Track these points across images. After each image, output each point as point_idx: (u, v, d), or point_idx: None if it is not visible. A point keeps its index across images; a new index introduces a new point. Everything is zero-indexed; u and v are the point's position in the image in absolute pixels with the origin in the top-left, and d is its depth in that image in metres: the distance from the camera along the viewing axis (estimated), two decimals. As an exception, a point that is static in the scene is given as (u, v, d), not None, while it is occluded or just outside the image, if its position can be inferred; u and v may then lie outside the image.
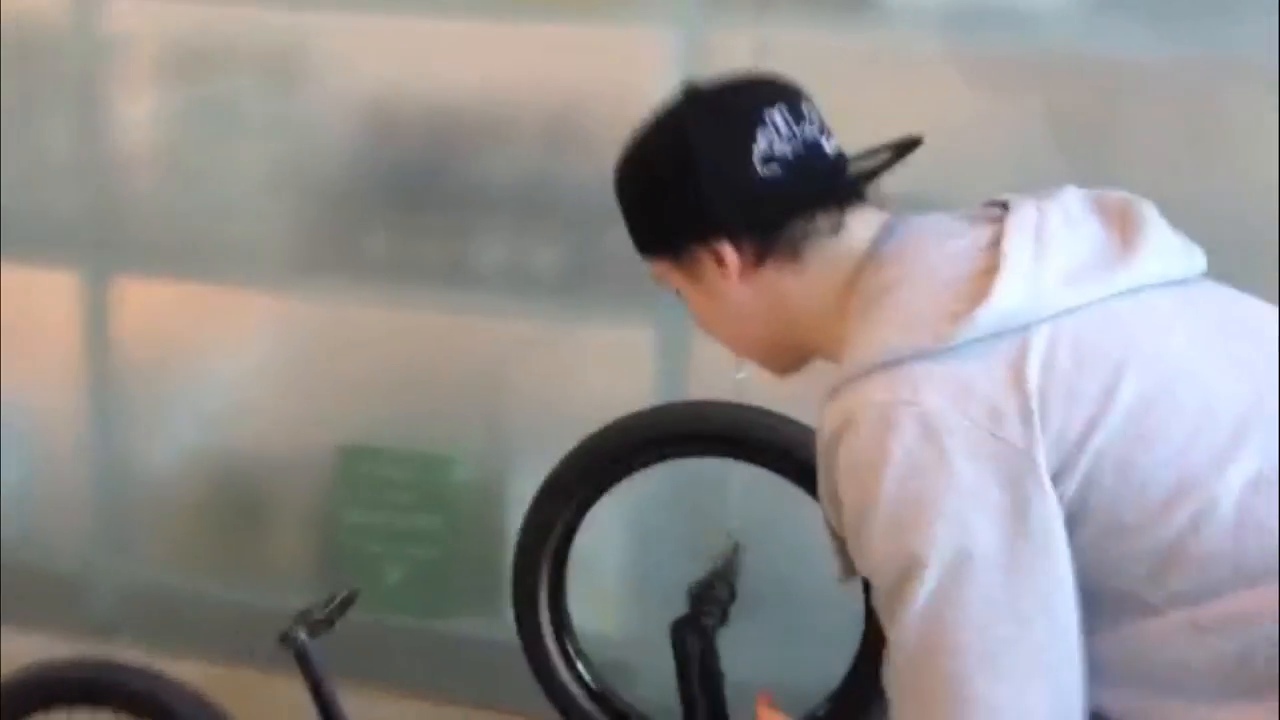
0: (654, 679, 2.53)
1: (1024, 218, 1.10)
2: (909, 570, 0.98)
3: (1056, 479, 0.98)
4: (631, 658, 2.55)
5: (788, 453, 1.53)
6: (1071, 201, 1.13)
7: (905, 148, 1.20)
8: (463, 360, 2.46)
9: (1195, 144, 2.09)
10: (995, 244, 1.08)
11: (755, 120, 1.14)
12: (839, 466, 1.04)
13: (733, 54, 2.07)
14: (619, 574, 2.51)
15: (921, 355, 1.01)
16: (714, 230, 1.16)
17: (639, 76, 2.21)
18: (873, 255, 1.14)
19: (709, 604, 1.56)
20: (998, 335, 1.00)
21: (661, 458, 1.66)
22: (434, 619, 2.52)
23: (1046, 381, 0.99)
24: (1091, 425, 0.98)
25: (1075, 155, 2.15)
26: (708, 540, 2.31)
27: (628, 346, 2.35)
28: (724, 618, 1.57)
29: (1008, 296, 1.01)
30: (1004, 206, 1.15)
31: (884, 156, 1.19)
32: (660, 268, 1.25)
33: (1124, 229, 1.08)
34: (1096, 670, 1.00)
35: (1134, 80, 2.08)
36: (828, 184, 1.16)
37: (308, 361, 2.52)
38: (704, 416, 1.66)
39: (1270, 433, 0.99)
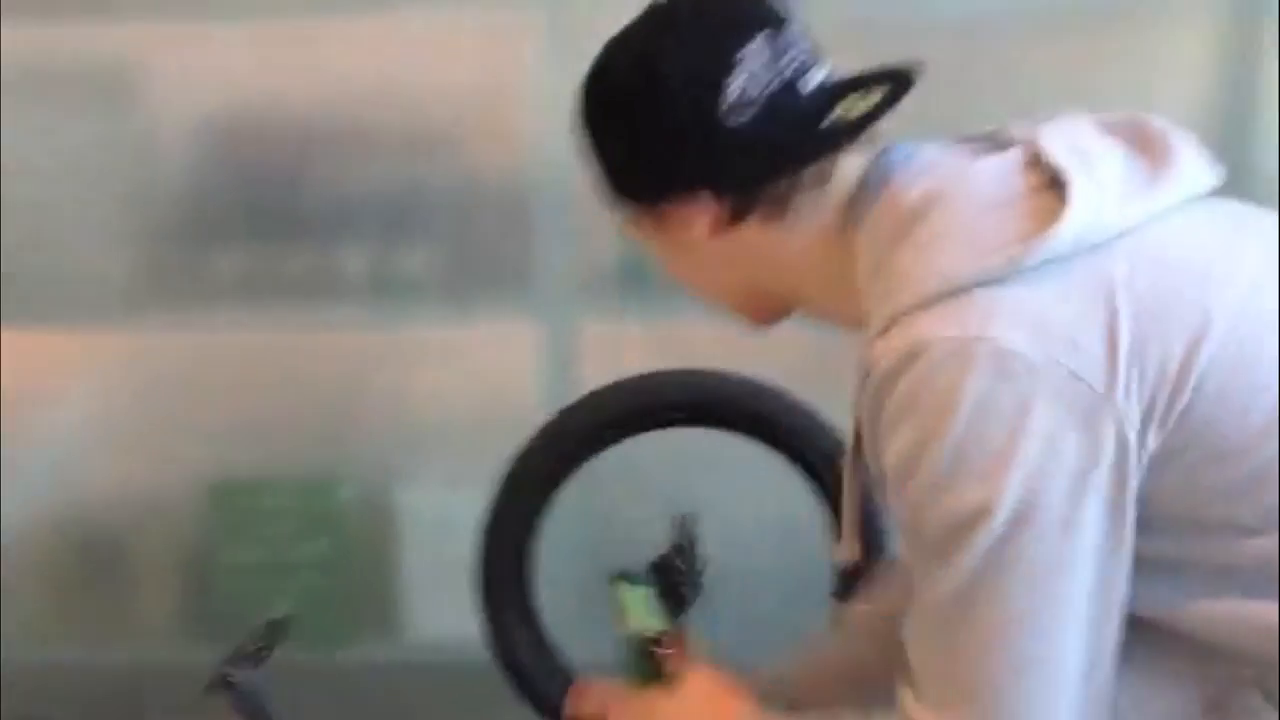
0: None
1: (1053, 135, 1.01)
2: (972, 519, 0.90)
3: (1169, 408, 0.92)
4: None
5: (769, 418, 1.53)
6: (1083, 122, 1.05)
7: (900, 85, 1.05)
8: (335, 377, 2.36)
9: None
10: (1032, 163, 0.99)
11: (729, 60, 1.00)
12: (892, 403, 0.94)
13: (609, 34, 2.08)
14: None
15: (989, 281, 0.92)
16: (682, 187, 1.05)
17: (501, 65, 2.20)
18: (879, 185, 1.03)
19: (678, 575, 1.55)
20: (1069, 259, 0.93)
21: (630, 433, 1.64)
22: (331, 648, 2.42)
23: (1138, 306, 0.92)
24: (1194, 348, 0.92)
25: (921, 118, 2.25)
26: (605, 533, 2.33)
27: (512, 344, 2.31)
28: (699, 587, 1.56)
29: (1085, 210, 0.93)
30: (991, 138, 1.07)
31: (876, 97, 1.04)
32: (626, 218, 1.14)
33: (1145, 145, 1.01)
34: (1182, 587, 0.96)
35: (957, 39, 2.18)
36: (810, 136, 1.03)
37: (165, 398, 2.38)
38: (673, 387, 1.65)
39: None
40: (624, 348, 2.15)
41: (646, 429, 1.64)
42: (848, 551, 1.14)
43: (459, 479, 2.41)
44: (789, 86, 1.03)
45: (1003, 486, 0.90)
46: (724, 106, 1.01)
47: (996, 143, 1.06)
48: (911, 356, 0.93)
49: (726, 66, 1.01)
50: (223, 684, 1.58)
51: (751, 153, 1.02)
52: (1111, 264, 0.94)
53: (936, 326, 0.93)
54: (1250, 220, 1.04)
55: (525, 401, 2.37)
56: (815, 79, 1.05)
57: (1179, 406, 0.93)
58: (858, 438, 1.03)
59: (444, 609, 2.47)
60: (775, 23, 1.04)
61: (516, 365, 2.31)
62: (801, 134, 1.03)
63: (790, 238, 1.06)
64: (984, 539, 0.91)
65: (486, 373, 2.32)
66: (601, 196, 1.16)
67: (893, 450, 0.95)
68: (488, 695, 2.46)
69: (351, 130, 2.25)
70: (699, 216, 1.06)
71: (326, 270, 2.32)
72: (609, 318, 2.25)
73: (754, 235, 1.06)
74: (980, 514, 0.91)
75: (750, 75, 1.01)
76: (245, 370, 2.36)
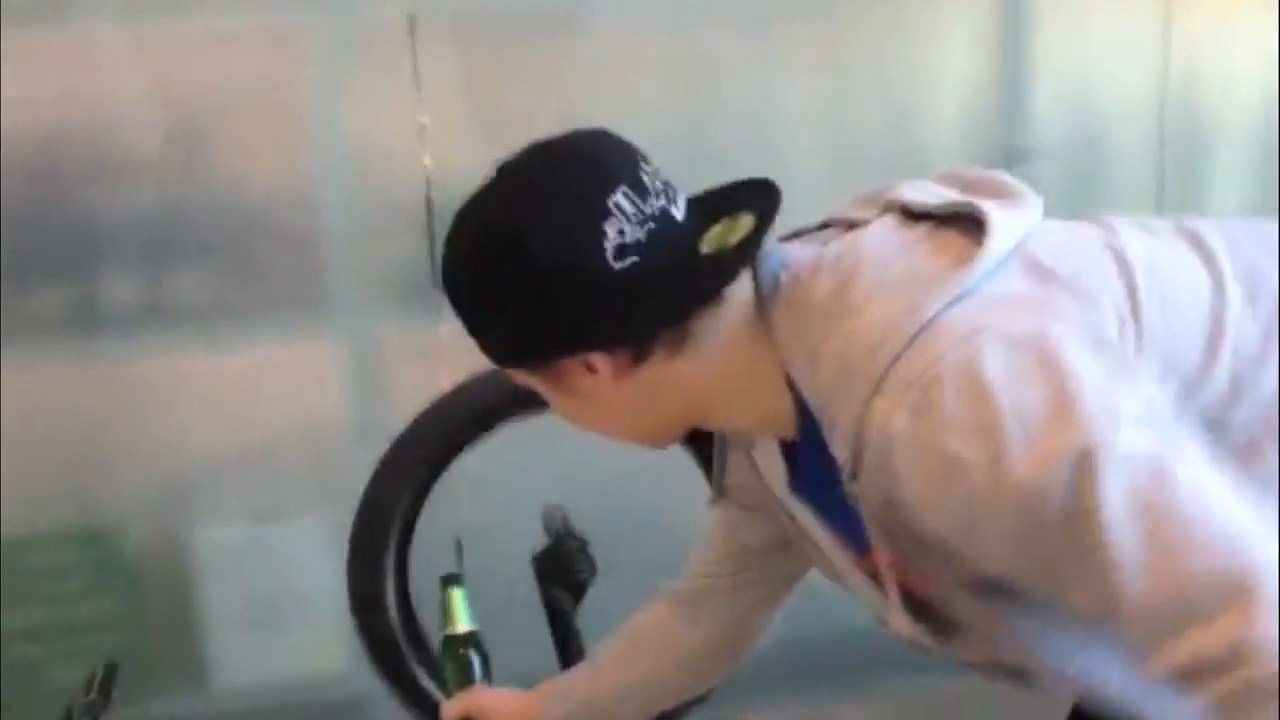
0: (390, 712, 2.40)
1: (911, 194, 1.06)
2: (1078, 471, 0.87)
3: (1137, 336, 0.98)
4: (365, 693, 2.40)
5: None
6: (923, 183, 1.09)
7: (768, 203, 1.06)
8: (112, 416, 2.18)
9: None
10: (903, 222, 1.04)
11: (600, 212, 0.99)
12: (931, 447, 0.92)
13: (386, 34, 1.98)
14: (333, 608, 2.35)
15: (948, 305, 0.95)
16: (578, 344, 1.03)
17: (277, 72, 2.07)
18: (776, 286, 1.04)
19: (566, 561, 1.50)
20: (996, 270, 0.98)
21: (510, 418, 1.61)
22: (131, 709, 2.23)
23: (1071, 272, 0.99)
24: (1130, 283, 0.99)
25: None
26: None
27: (310, 363, 2.19)
28: (592, 567, 1.53)
29: (1003, 222, 1.00)
30: (835, 224, 1.09)
31: (747, 223, 1.04)
32: (514, 375, 1.10)
33: (985, 187, 1.06)
34: None
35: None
36: (699, 273, 1.03)
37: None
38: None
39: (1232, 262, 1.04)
40: (435, 357, 2.07)
41: (527, 413, 1.58)
42: (903, 627, 1.10)
43: (262, 512, 2.28)
44: (664, 224, 1.02)
45: (1078, 422, 0.89)
46: (608, 256, 0.99)
47: (848, 224, 1.08)
48: (923, 392, 0.92)
49: (600, 217, 1.00)
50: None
51: (645, 297, 1.01)
52: (1032, 255, 1.00)
53: (925, 358, 0.93)
54: (1100, 217, 1.12)
55: (329, 422, 2.26)
56: (680, 205, 1.05)
57: (1143, 333, 0.99)
58: (886, 507, 0.98)
59: (255, 652, 2.34)
60: (631, 167, 1.03)
61: (317, 385, 2.20)
62: (689, 271, 1.02)
63: (696, 363, 1.05)
64: (1107, 474, 0.88)
65: (284, 396, 2.19)
66: (485, 357, 1.11)
67: (965, 487, 0.91)
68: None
69: (108, 149, 2.09)
70: (599, 367, 1.04)
71: (89, 301, 2.14)
72: (414, 327, 2.15)
73: (660, 370, 1.04)
74: (1080, 462, 0.88)
75: (625, 220, 1.00)
76: (7, 418, 2.15)
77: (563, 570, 1.50)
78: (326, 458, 2.25)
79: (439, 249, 2.31)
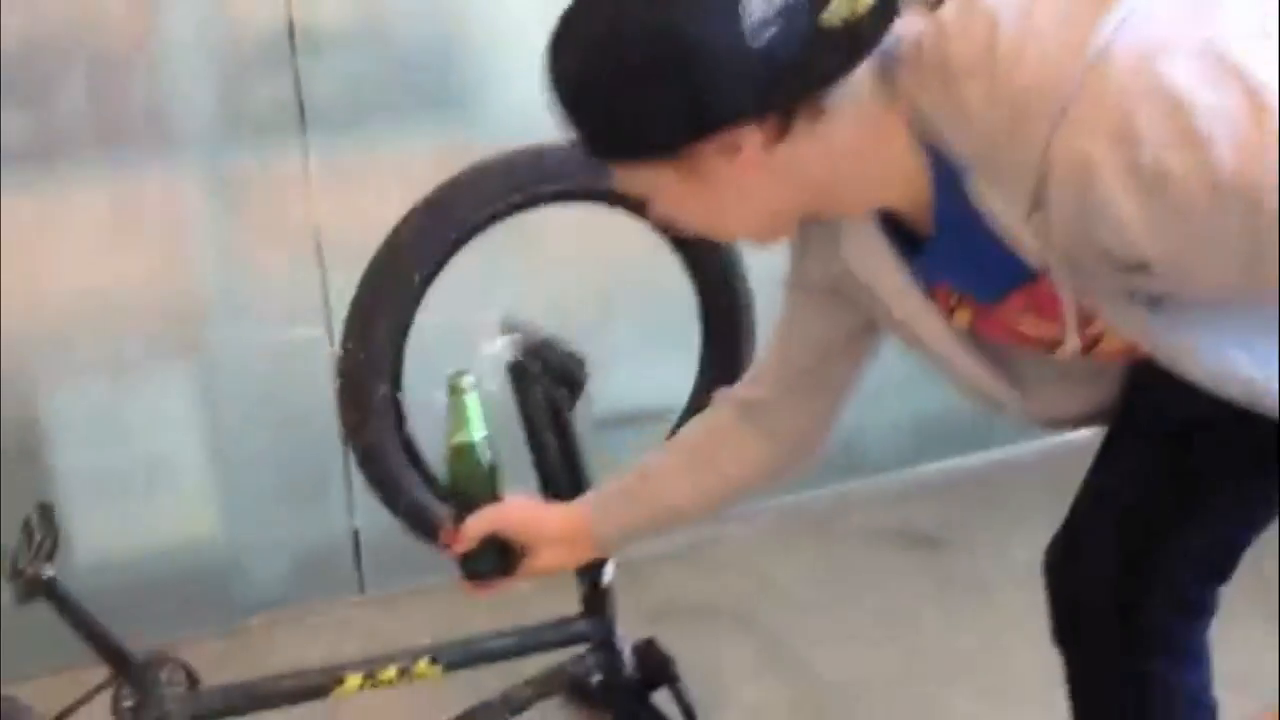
0: (265, 572, 2.33)
1: None
2: None
3: None
4: (237, 556, 2.31)
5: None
6: None
7: None
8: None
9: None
10: None
11: None
12: (1134, 167, 0.94)
13: None
14: (206, 474, 2.25)
15: (1114, 32, 0.96)
16: (722, 122, 1.04)
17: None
18: (891, 62, 1.05)
19: (560, 357, 1.45)
20: None
21: (511, 211, 1.57)
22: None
23: None
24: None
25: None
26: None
27: (162, 204, 2.05)
28: (580, 361, 1.48)
29: None
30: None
31: None
32: (635, 173, 1.10)
33: None
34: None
35: None
36: (836, 40, 1.03)
37: None
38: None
39: None
40: (301, 195, 1.96)
41: (532, 205, 1.58)
42: (1001, 393, 1.21)
43: (116, 369, 2.15)
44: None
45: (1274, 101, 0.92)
46: (748, 31, 1.01)
47: (933, 2, 1.08)
48: (1120, 115, 0.94)
49: None
50: (42, 587, 1.43)
51: (788, 69, 1.02)
52: None
53: (1111, 82, 0.95)
54: None
55: (187, 269, 2.14)
56: None
57: None
58: (1075, 238, 1.01)
59: (117, 522, 2.21)
60: None
61: (172, 228, 2.06)
62: (829, 40, 1.03)
63: (831, 137, 1.07)
64: None
65: (136, 241, 2.05)
66: (601, 159, 1.10)
67: (1178, 198, 0.94)
68: (171, 614, 2.23)
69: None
70: (744, 145, 1.06)
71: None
72: (278, 163, 2.03)
73: (798, 147, 1.07)
74: None
75: None
76: None
77: (556, 366, 1.44)
78: (185, 307, 2.13)
79: (303, 79, 2.22)
